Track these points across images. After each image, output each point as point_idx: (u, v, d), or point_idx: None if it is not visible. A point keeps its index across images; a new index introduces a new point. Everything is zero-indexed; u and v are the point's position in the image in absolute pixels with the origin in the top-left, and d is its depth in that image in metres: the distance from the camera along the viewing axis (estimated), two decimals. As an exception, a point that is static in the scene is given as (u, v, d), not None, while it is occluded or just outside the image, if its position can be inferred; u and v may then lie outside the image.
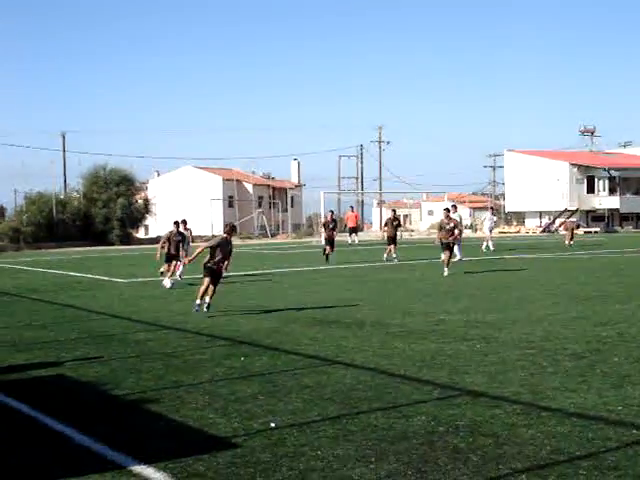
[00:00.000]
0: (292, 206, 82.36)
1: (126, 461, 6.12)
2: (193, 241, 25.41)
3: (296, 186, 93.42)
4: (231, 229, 14.93)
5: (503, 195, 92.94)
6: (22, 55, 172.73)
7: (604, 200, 75.86)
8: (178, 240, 20.76)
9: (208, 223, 70.59)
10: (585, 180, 76.54)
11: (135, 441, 6.69)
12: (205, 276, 14.61)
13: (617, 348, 10.28)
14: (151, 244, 60.45)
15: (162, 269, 21.31)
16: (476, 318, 13.42)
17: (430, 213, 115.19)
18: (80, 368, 9.94)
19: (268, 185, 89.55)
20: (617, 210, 75.92)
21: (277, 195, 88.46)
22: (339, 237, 59.73)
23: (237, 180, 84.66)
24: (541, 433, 6.55)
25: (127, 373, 9.53)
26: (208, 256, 14.69)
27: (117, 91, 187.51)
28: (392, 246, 29.73)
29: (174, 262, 20.65)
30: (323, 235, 31.48)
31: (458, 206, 34.73)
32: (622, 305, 14.74)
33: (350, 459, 6.04)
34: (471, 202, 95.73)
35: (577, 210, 73.61)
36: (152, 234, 77.78)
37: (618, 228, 73.56)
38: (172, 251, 20.65)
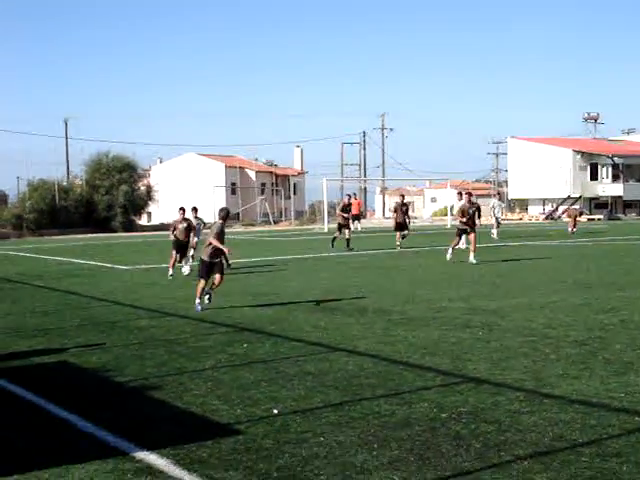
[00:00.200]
0: (295, 193, 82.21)
1: (129, 447, 6.14)
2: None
3: (299, 173, 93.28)
4: (227, 214, 14.00)
5: (506, 182, 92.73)
6: (24, 41, 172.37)
7: (607, 187, 75.64)
8: (184, 227, 19.90)
9: (211, 210, 70.49)
10: (588, 167, 76.30)
11: (138, 427, 6.71)
12: (202, 277, 13.64)
13: (619, 335, 10.28)
14: (154, 231, 60.56)
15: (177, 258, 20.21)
16: (478, 305, 13.41)
17: (433, 200, 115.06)
18: (83, 355, 9.96)
19: (271, 172, 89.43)
20: (620, 197, 75.70)
21: (280, 182, 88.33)
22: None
23: (240, 167, 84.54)
24: (543, 420, 6.55)
25: (130, 360, 9.55)
26: (210, 248, 13.62)
27: (120, 78, 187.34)
28: (398, 233, 29.12)
29: (180, 252, 19.87)
30: (339, 219, 29.53)
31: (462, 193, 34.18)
32: (625, 292, 14.72)
33: (353, 445, 6.06)
34: (474, 189, 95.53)
35: (580, 197, 73.44)
36: (155, 221, 77.78)
37: (621, 215, 73.37)
38: (180, 238, 19.82)
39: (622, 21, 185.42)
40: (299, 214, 76.47)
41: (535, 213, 75.39)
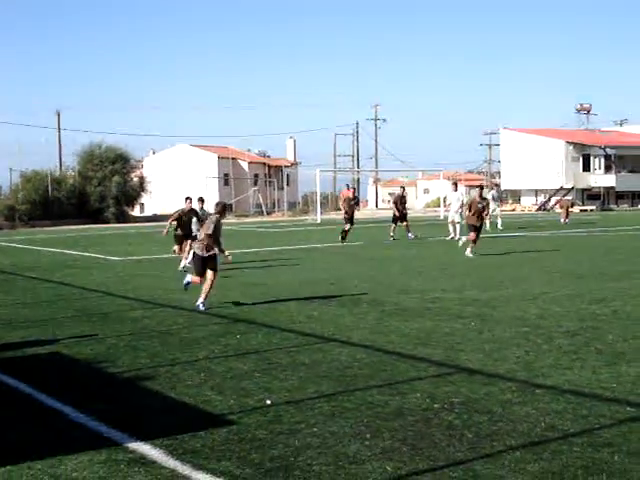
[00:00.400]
0: (288, 184, 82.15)
1: (122, 438, 6.14)
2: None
3: (292, 164, 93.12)
4: (223, 208, 13.25)
5: (499, 173, 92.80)
6: (16, 31, 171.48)
7: (600, 178, 75.77)
8: (190, 219, 18.77)
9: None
10: (581, 158, 76.39)
11: (131, 418, 6.72)
12: (198, 274, 13.01)
13: (612, 326, 10.32)
14: (147, 222, 60.44)
15: (174, 248, 19.33)
16: (471, 296, 13.44)
17: (426, 191, 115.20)
18: (76, 346, 9.95)
19: (264, 163, 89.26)
20: (613, 188, 75.86)
21: (273, 173, 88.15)
22: (335, 215, 59.80)
23: (233, 158, 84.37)
24: (535, 410, 6.58)
25: (123, 351, 9.55)
26: (204, 242, 12.95)
27: (112, 69, 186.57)
28: (394, 225, 29.10)
29: (185, 242, 18.52)
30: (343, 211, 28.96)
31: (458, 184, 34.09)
32: (617, 283, 14.77)
33: (346, 436, 6.07)
34: (467, 180, 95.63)
35: (572, 188, 73.55)
36: (148, 212, 77.68)
37: (613, 206, 73.56)
38: (183, 231, 18.76)
39: (614, 12, 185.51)
40: (292, 205, 76.47)
41: (528, 204, 75.49)
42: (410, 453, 5.66)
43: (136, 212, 74.31)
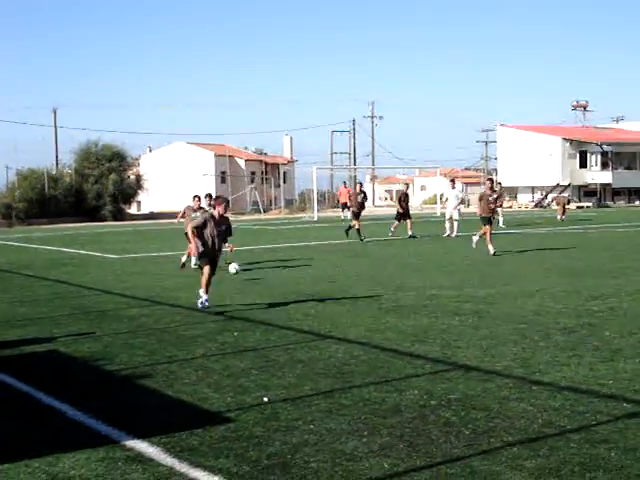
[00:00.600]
0: (284, 182, 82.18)
1: (120, 436, 6.14)
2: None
3: (289, 162, 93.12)
4: (226, 205, 13.32)
5: (496, 170, 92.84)
6: (11, 28, 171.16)
7: (596, 175, 75.86)
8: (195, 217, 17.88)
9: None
10: (577, 155, 76.47)
11: (129, 416, 6.71)
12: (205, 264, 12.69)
13: (608, 322, 10.34)
14: (144, 220, 60.41)
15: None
16: (468, 293, 13.45)
17: (423, 188, 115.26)
18: (73, 344, 9.95)
19: (260, 161, 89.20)
20: (609, 185, 75.97)
21: (269, 171, 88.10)
22: (332, 213, 59.79)
23: (229, 156, 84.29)
24: (532, 406, 6.59)
25: (120, 348, 9.55)
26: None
27: (109, 67, 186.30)
28: (397, 222, 28.91)
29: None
30: (351, 209, 28.57)
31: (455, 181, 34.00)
32: (614, 279, 14.79)
33: (343, 433, 6.08)
34: (464, 177, 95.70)
35: (569, 185, 73.62)
36: (144, 210, 77.59)
37: (610, 203, 73.67)
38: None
39: (611, 9, 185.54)
40: (289, 202, 76.44)
41: (524, 201, 75.54)
42: (407, 450, 5.67)
43: (133, 210, 74.28)
